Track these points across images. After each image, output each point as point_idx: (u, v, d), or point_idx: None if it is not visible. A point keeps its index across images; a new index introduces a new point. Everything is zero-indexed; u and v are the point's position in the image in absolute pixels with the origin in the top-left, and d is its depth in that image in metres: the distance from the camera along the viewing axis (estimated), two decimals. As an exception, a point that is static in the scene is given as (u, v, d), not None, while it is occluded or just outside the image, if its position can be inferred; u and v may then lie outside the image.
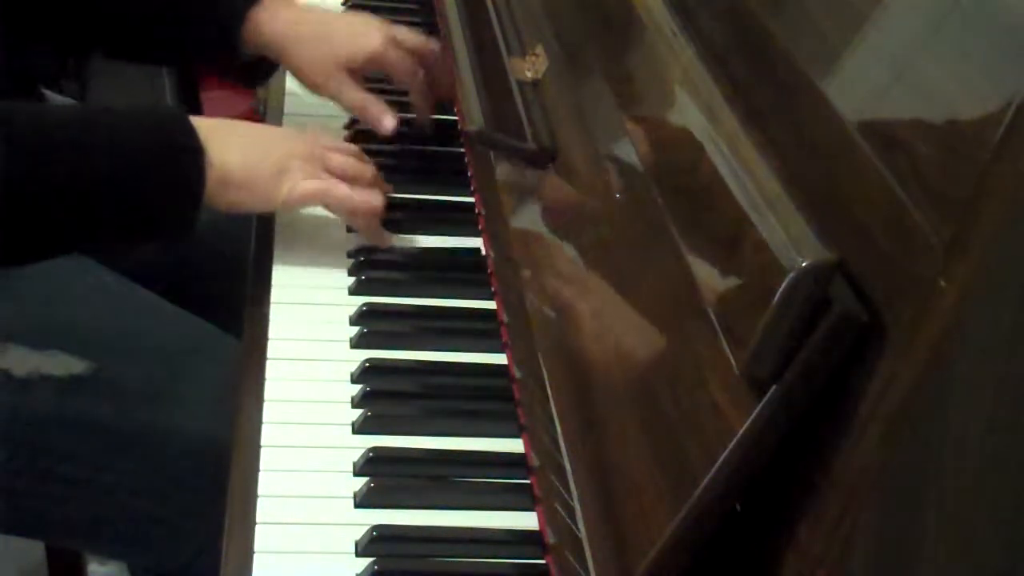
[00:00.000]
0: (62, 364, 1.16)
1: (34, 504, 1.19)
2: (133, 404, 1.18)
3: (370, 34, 1.27)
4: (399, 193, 1.24)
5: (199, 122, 1.08)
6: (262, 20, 1.26)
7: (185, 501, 1.19)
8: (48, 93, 1.39)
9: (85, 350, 1.18)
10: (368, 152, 1.29)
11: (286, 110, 1.36)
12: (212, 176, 1.06)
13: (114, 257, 1.31)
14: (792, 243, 0.67)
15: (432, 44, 1.33)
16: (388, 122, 1.24)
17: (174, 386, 1.20)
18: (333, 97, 1.27)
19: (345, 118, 1.35)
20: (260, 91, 1.46)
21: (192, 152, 1.06)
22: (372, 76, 1.32)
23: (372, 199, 1.14)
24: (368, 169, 1.17)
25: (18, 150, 1.02)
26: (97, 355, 1.18)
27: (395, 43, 1.28)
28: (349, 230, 1.18)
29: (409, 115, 1.33)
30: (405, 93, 1.34)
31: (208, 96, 2.08)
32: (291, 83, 1.40)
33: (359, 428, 0.96)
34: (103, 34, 1.32)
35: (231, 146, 1.09)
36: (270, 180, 1.09)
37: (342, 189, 1.12)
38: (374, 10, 1.59)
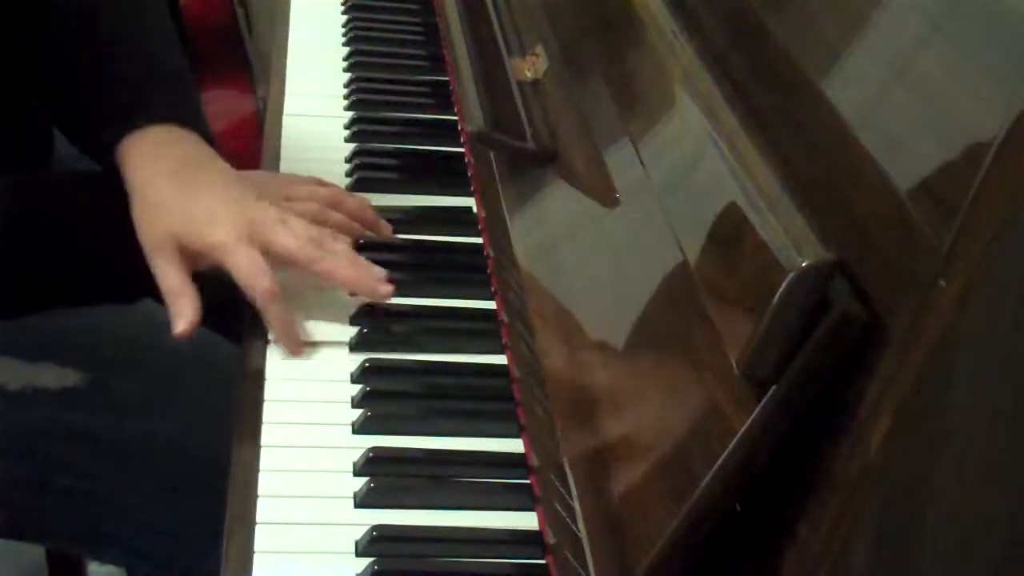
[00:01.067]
0: (56, 376, 1.16)
1: (32, 515, 1.19)
2: (130, 413, 1.17)
3: (226, 226, 1.04)
4: (400, 193, 1.24)
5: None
6: (130, 152, 1.10)
7: (184, 510, 1.18)
8: None
9: (80, 360, 1.17)
10: (368, 152, 1.29)
11: (286, 111, 1.36)
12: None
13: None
14: (792, 243, 0.67)
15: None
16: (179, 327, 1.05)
17: (171, 394, 1.19)
18: (151, 269, 1.07)
19: (346, 118, 1.35)
20: (260, 91, 1.46)
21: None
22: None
23: (341, 224, 1.08)
24: (334, 218, 1.09)
25: None
26: (93, 365, 1.17)
27: (252, 243, 1.04)
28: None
29: (411, 115, 1.34)
30: (413, 85, 1.34)
31: (208, 96, 2.08)
32: (292, 83, 1.40)
33: (359, 428, 0.96)
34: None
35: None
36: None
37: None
38: (374, 10, 1.60)
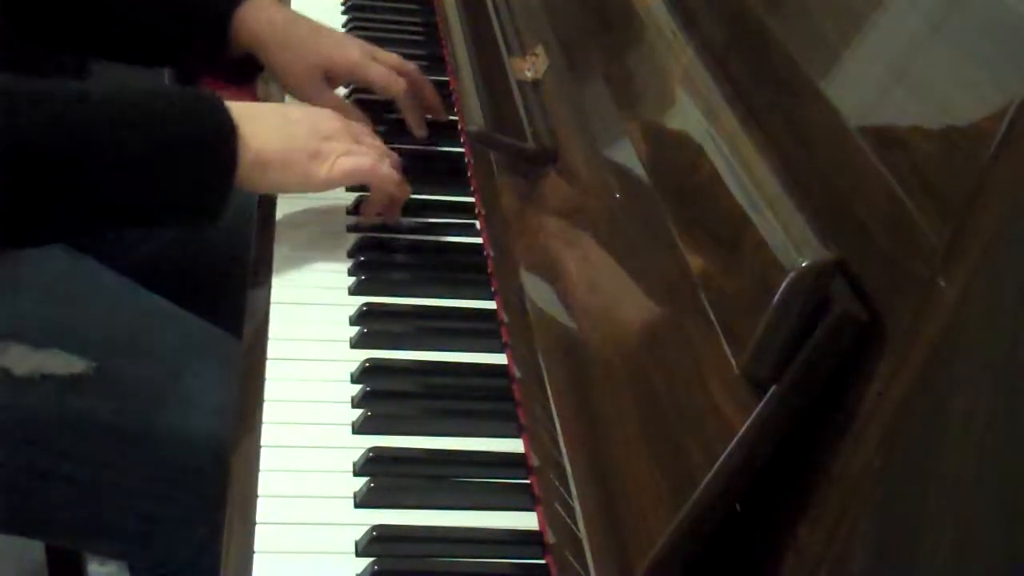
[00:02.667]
0: (63, 363, 1.16)
1: (34, 503, 1.19)
2: (134, 403, 1.18)
3: (352, 46, 1.33)
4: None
5: (233, 106, 1.10)
6: (249, 19, 1.30)
7: (185, 501, 1.19)
8: None
9: (85, 349, 1.18)
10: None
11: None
12: (247, 158, 1.08)
13: (122, 251, 1.32)
14: (792, 243, 0.67)
15: (410, 65, 1.36)
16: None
17: (174, 386, 1.20)
18: (309, 101, 1.29)
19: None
20: (261, 91, 1.47)
21: (227, 133, 1.08)
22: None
23: (403, 182, 1.18)
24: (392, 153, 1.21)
25: (56, 127, 1.03)
26: (97, 354, 1.18)
27: (374, 58, 1.33)
28: (349, 230, 1.18)
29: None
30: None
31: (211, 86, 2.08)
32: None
33: (359, 428, 0.96)
34: (92, 34, 1.33)
35: (266, 128, 1.11)
36: (307, 160, 1.12)
37: (383, 167, 1.15)
38: (374, 10, 1.60)
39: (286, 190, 1.17)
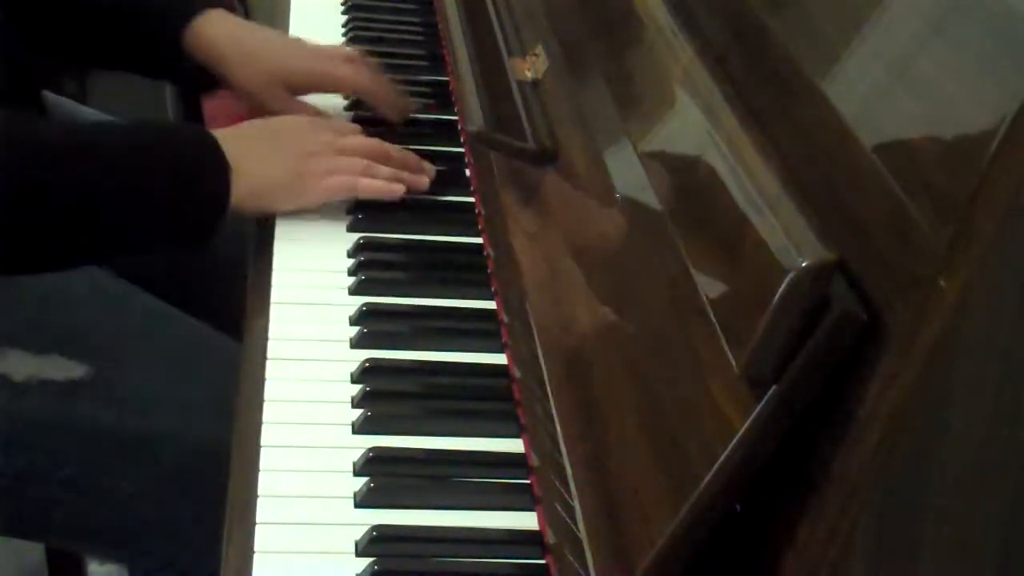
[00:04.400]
0: (61, 368, 1.16)
1: (34, 508, 1.19)
2: (133, 408, 1.18)
3: (307, 51, 1.32)
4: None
5: (224, 138, 1.12)
6: (202, 33, 1.29)
7: (185, 505, 1.19)
8: (48, 94, 1.39)
9: (84, 354, 1.18)
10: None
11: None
12: (239, 194, 1.11)
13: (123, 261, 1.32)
14: (792, 243, 0.67)
15: (366, 59, 1.35)
16: None
17: (174, 389, 1.20)
18: (274, 113, 1.27)
19: (346, 118, 1.35)
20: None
21: (220, 169, 1.10)
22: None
23: (390, 185, 1.18)
24: (381, 144, 1.21)
25: (48, 160, 1.05)
26: (96, 359, 1.18)
27: (337, 60, 1.32)
28: (349, 230, 1.18)
29: (411, 115, 1.34)
30: (413, 85, 1.37)
31: (208, 94, 2.08)
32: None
33: (359, 428, 0.96)
34: (59, 38, 1.34)
35: (256, 159, 1.13)
36: (293, 183, 1.15)
37: (364, 181, 1.17)
38: (374, 10, 1.60)
39: (280, 212, 1.17)
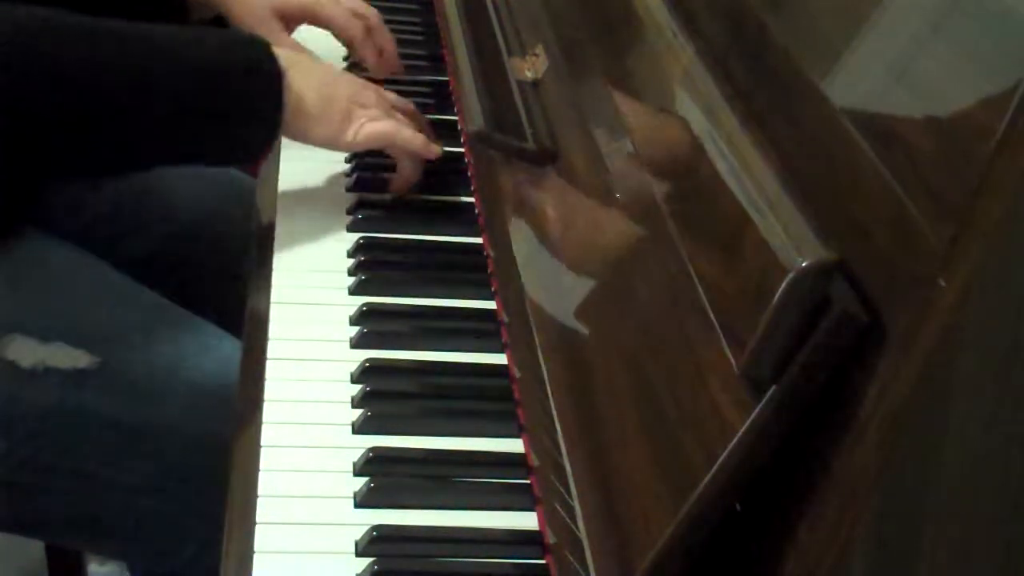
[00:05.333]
0: (68, 357, 1.17)
1: (36, 498, 1.19)
2: (135, 399, 1.18)
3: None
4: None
5: (281, 53, 1.13)
6: None
7: (186, 498, 1.19)
8: None
9: (88, 344, 1.18)
10: (368, 151, 1.29)
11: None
12: (290, 103, 1.12)
13: (121, 248, 1.32)
14: (792, 243, 0.67)
15: (370, 10, 1.38)
16: None
17: (175, 384, 1.20)
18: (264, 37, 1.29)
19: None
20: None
21: (274, 75, 1.11)
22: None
23: (428, 143, 1.21)
24: (418, 115, 1.25)
25: (114, 60, 1.06)
26: (100, 350, 1.18)
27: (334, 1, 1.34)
28: (349, 230, 1.18)
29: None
30: (413, 85, 1.38)
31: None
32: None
33: (359, 428, 0.96)
34: None
35: (310, 80, 1.15)
36: (340, 119, 1.16)
37: (408, 131, 1.19)
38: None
39: (313, 142, 1.19)
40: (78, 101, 1.05)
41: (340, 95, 1.16)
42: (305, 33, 1.36)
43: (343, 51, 1.43)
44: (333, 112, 1.15)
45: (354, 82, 1.21)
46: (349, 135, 1.16)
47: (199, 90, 1.09)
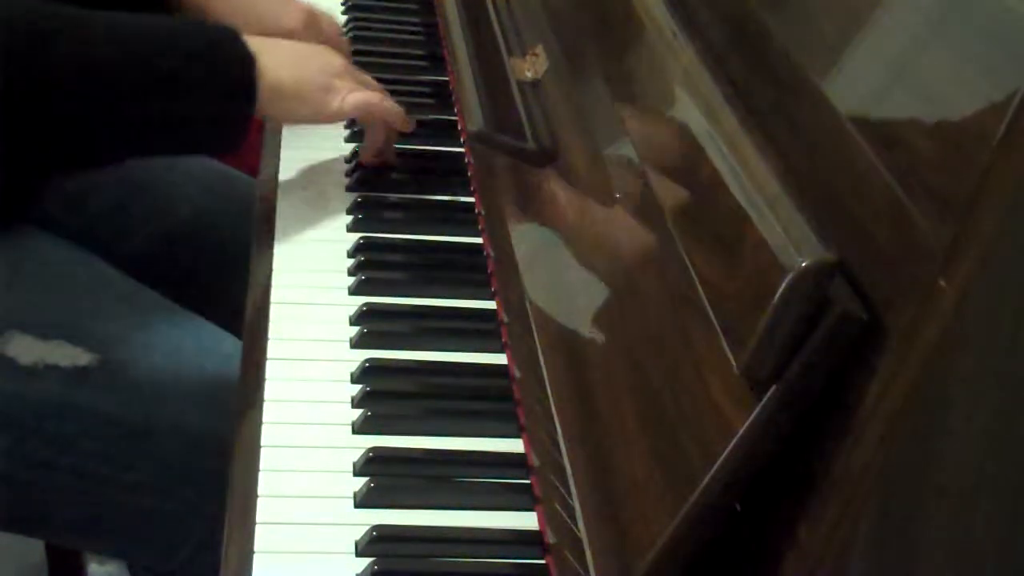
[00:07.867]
0: (68, 355, 1.17)
1: (35, 495, 1.19)
2: (135, 398, 1.18)
3: (292, 12, 1.33)
4: (400, 192, 1.24)
5: (249, 38, 1.14)
6: None
7: (186, 497, 1.19)
8: None
9: (89, 343, 1.18)
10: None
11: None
12: (264, 86, 1.12)
13: (122, 248, 1.32)
14: (792, 243, 0.67)
15: (344, 41, 1.39)
16: None
17: (175, 383, 1.20)
18: None
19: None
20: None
21: (246, 62, 1.12)
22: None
23: (404, 115, 1.24)
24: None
25: (83, 55, 1.06)
26: (101, 348, 1.18)
27: (316, 26, 1.34)
28: (349, 230, 1.18)
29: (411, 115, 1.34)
30: (413, 85, 1.40)
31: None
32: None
33: (359, 428, 0.96)
34: None
35: (281, 59, 1.15)
36: (320, 93, 1.17)
37: (389, 100, 1.21)
38: (374, 10, 1.60)
39: (298, 120, 1.21)
40: (48, 97, 1.05)
41: (314, 69, 1.18)
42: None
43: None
44: (313, 88, 1.17)
45: (322, 52, 1.22)
46: (334, 106, 1.18)
47: (173, 80, 1.09)
